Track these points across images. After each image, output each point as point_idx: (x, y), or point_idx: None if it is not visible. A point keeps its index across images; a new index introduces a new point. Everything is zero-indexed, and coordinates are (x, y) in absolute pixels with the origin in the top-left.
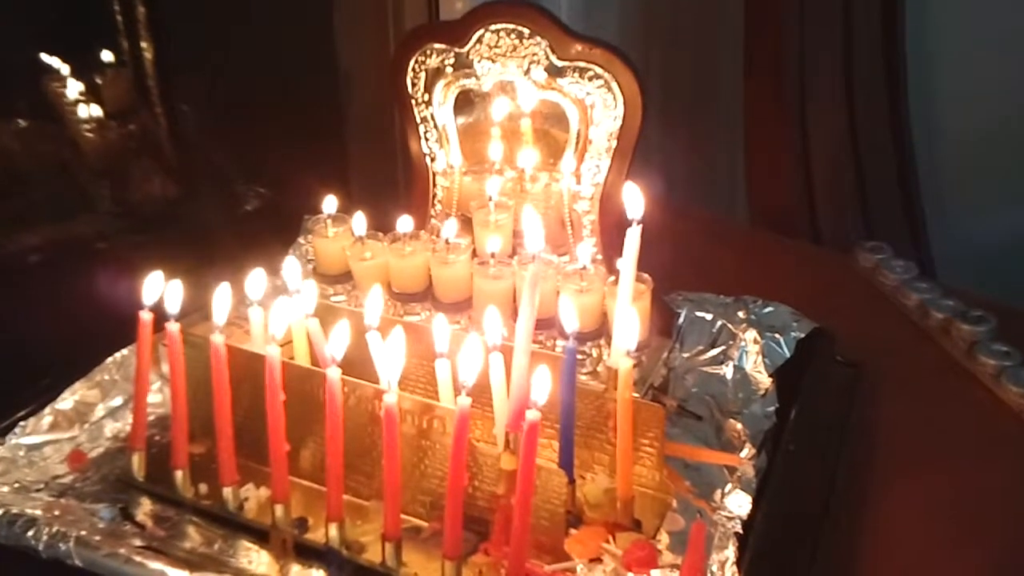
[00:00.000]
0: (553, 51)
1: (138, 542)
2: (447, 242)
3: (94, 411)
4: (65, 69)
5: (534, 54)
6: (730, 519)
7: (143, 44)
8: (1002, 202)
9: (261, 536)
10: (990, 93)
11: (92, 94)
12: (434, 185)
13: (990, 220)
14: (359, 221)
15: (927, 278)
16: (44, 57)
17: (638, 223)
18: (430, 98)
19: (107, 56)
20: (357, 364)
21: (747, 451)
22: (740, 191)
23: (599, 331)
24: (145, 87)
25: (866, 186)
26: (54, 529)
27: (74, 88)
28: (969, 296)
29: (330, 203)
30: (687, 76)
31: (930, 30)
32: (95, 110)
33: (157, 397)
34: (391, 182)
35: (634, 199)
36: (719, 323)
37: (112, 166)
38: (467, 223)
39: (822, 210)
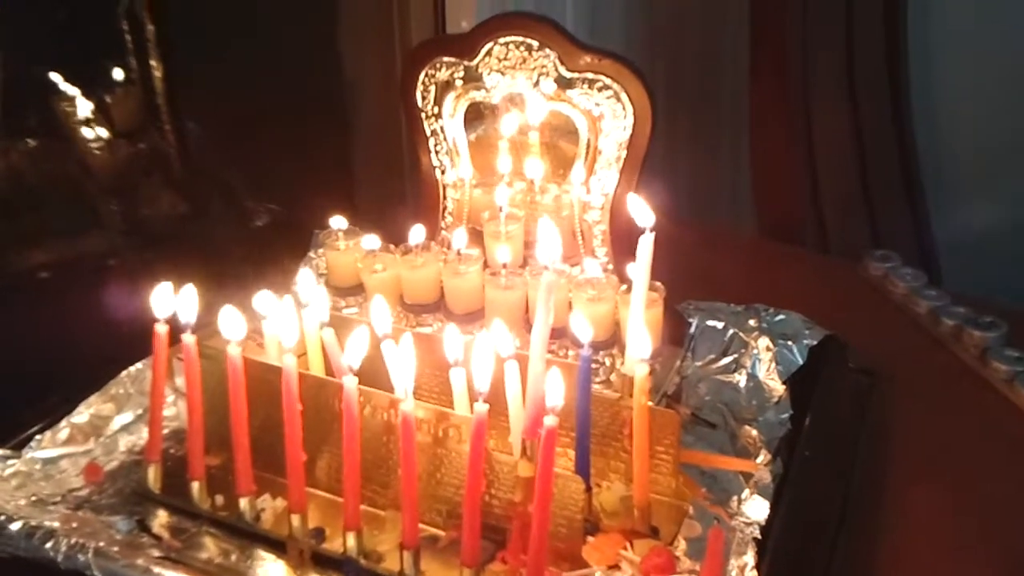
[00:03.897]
0: (562, 63)
1: (156, 553)
2: (459, 253)
3: (109, 424)
4: (74, 89)
5: (543, 66)
6: (748, 525)
7: (152, 62)
8: (1009, 204)
9: (278, 547)
10: (994, 94)
11: (101, 113)
12: (444, 197)
13: (997, 222)
14: (370, 241)
15: (936, 286)
16: (53, 76)
17: (651, 230)
18: (440, 111)
19: (116, 74)
20: (370, 376)
21: (763, 457)
22: (745, 202)
23: (611, 340)
24: (154, 105)
25: (871, 193)
26: (72, 540)
27: (84, 107)
28: (979, 302)
29: (337, 221)
30: (692, 86)
31: (932, 33)
32: (104, 128)
33: (171, 410)
34: (398, 194)
35: (640, 209)
36: (731, 331)
37: (122, 184)
38: (477, 236)
39: (829, 218)
